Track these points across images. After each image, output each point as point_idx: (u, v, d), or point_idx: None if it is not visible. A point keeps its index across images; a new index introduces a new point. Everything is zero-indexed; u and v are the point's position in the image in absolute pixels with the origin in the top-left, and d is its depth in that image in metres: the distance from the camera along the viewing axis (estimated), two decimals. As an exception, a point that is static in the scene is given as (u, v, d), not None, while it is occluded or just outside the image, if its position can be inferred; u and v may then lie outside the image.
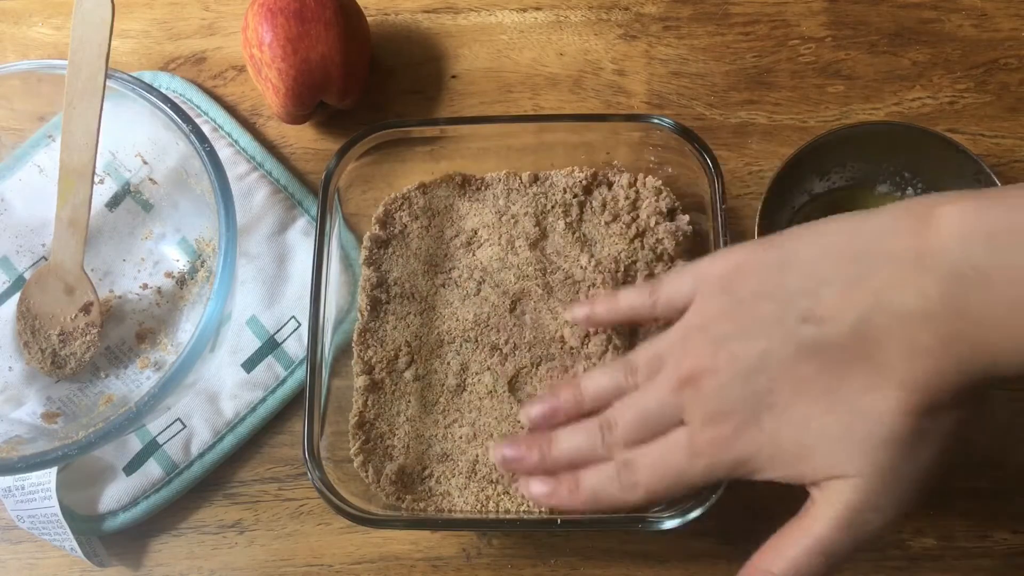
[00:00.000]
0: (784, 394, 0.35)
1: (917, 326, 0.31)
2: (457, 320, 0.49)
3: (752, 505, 0.48)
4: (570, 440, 0.41)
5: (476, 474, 0.46)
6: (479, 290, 0.49)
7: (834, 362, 0.34)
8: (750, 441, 0.36)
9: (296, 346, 0.51)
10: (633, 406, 0.40)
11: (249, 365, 0.50)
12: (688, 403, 0.38)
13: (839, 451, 0.34)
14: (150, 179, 0.52)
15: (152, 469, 0.49)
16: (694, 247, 0.49)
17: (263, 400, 0.50)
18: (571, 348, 0.47)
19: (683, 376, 0.38)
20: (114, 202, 0.53)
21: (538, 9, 0.57)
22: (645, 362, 0.40)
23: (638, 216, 0.49)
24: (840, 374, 0.33)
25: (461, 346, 0.48)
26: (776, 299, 0.35)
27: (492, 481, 0.45)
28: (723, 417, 0.36)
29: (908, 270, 0.31)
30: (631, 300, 0.43)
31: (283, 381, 0.50)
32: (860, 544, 0.34)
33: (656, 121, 0.47)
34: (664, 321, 0.41)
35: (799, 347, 0.34)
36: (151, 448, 0.49)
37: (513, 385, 0.47)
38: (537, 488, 0.41)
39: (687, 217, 0.49)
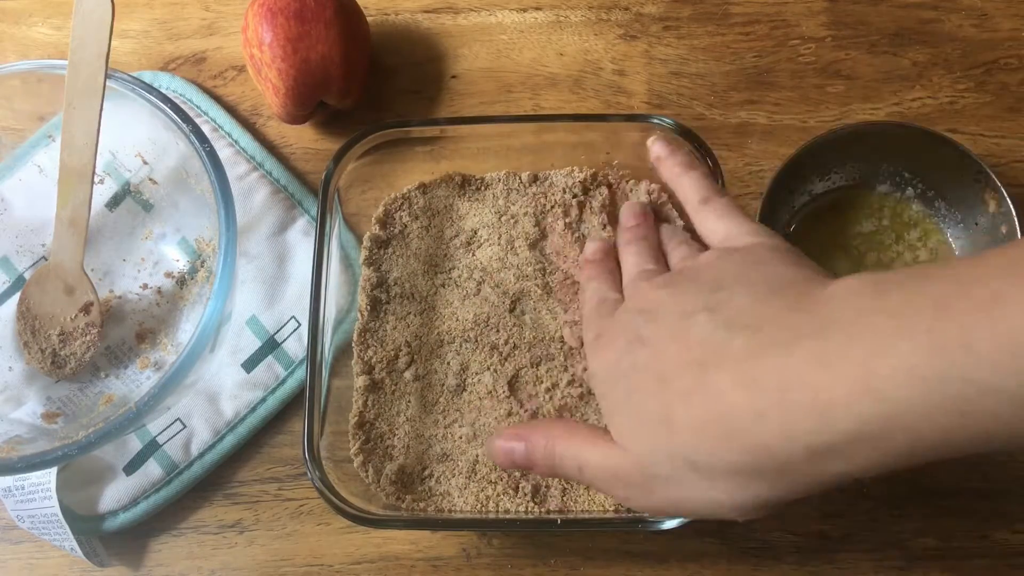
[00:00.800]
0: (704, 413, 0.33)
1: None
2: (457, 320, 0.49)
3: (752, 505, 0.48)
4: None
5: (476, 474, 0.46)
6: (479, 290, 0.49)
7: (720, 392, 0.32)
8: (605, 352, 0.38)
9: (296, 346, 0.51)
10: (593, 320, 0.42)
11: (249, 365, 0.50)
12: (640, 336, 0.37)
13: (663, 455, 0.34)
14: (150, 179, 0.52)
15: (152, 469, 0.49)
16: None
17: (263, 400, 0.50)
18: (570, 348, 0.47)
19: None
20: (114, 202, 0.53)
21: (538, 9, 0.57)
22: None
23: (638, 216, 0.49)
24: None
25: (461, 346, 0.48)
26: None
27: (492, 481, 0.45)
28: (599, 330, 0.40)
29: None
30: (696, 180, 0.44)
31: (283, 381, 0.50)
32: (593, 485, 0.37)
33: (656, 121, 0.47)
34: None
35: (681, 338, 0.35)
36: (151, 448, 0.49)
37: (513, 385, 0.47)
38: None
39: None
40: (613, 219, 0.50)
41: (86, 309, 0.50)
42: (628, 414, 0.35)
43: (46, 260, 0.51)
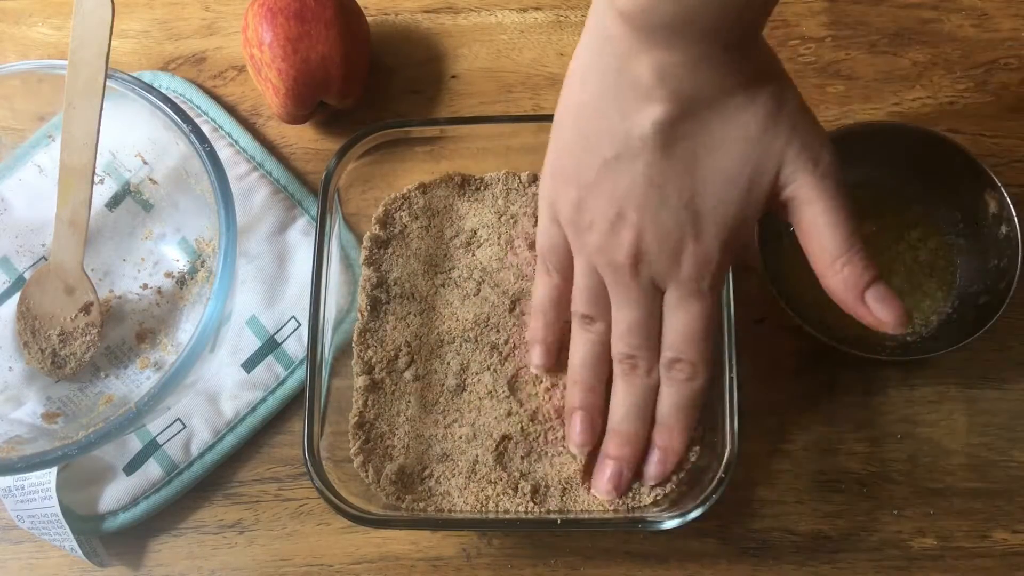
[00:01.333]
0: (691, 181, 0.37)
1: (680, 63, 0.35)
2: (457, 320, 0.49)
3: (752, 505, 0.48)
4: (623, 410, 0.43)
5: (476, 474, 0.46)
6: (479, 290, 0.49)
7: (688, 127, 0.36)
8: (714, 234, 0.38)
9: (296, 346, 0.51)
10: (626, 332, 0.41)
11: (249, 365, 0.50)
12: (651, 273, 0.39)
13: (762, 153, 0.37)
14: (150, 179, 0.52)
15: (152, 469, 0.49)
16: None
17: (263, 400, 0.50)
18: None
19: (627, 265, 0.39)
20: (114, 202, 0.53)
21: (538, 9, 0.57)
22: (587, 305, 0.42)
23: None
24: (703, 129, 0.36)
25: (461, 346, 0.48)
26: (603, 153, 0.38)
27: (492, 481, 0.45)
28: (680, 246, 0.38)
29: (635, 52, 0.35)
30: (543, 295, 0.45)
31: (283, 381, 0.50)
32: (842, 183, 0.39)
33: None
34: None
35: (657, 147, 0.37)
36: (151, 448, 0.49)
37: (513, 385, 0.47)
38: (653, 471, 0.44)
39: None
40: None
41: (86, 309, 0.50)
42: (758, 164, 0.37)
43: (46, 260, 0.51)
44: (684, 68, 0.35)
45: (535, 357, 0.46)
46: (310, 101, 0.51)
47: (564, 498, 0.45)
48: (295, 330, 0.51)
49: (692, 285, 0.39)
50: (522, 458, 0.46)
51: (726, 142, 0.37)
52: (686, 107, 0.36)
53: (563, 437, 0.46)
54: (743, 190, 0.37)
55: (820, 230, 0.38)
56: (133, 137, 0.51)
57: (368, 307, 0.49)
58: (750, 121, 0.36)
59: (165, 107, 0.47)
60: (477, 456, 0.46)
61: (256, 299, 0.51)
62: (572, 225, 0.40)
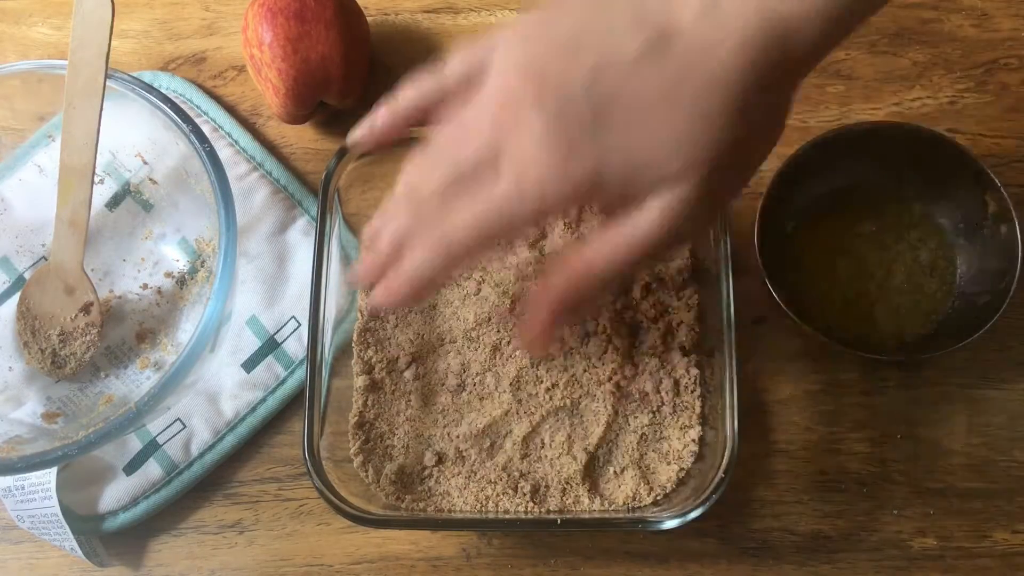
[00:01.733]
0: (622, 105, 0.32)
1: (729, 25, 0.31)
2: (457, 320, 0.49)
3: (752, 505, 0.48)
4: (391, 224, 0.37)
5: (476, 474, 0.46)
6: (479, 290, 0.49)
7: (673, 70, 0.31)
8: (583, 164, 0.33)
9: (296, 346, 0.51)
10: (442, 163, 0.35)
11: (249, 365, 0.50)
12: (507, 138, 0.33)
13: (676, 155, 0.32)
14: (150, 179, 0.52)
15: (152, 469, 0.49)
16: (692, 247, 0.49)
17: (263, 400, 0.50)
18: (570, 348, 0.47)
19: (499, 107, 0.33)
20: (114, 202, 0.53)
21: (538, 9, 0.57)
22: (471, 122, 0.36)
23: (638, 216, 0.49)
24: (679, 80, 0.31)
25: (462, 346, 0.48)
26: (599, 21, 0.33)
27: (492, 481, 0.45)
28: (554, 144, 0.32)
29: None
30: (417, 88, 0.38)
31: (283, 381, 0.50)
32: (668, 250, 0.36)
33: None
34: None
35: (640, 55, 0.32)
36: (151, 448, 0.49)
37: (513, 385, 0.47)
38: (377, 294, 0.38)
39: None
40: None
41: (86, 309, 0.50)
42: (666, 157, 0.32)
43: (46, 260, 0.51)
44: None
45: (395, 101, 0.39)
46: (310, 101, 0.51)
47: (564, 498, 0.45)
48: (295, 330, 0.51)
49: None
50: (522, 458, 0.46)
51: (647, 128, 0.32)
52: (664, 43, 0.31)
53: (565, 437, 0.46)
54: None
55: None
56: (133, 137, 0.51)
57: (368, 307, 0.49)
58: (679, 155, 0.32)
59: (165, 107, 0.47)
60: (477, 456, 0.46)
61: (256, 299, 0.51)
62: (502, 74, 0.34)
